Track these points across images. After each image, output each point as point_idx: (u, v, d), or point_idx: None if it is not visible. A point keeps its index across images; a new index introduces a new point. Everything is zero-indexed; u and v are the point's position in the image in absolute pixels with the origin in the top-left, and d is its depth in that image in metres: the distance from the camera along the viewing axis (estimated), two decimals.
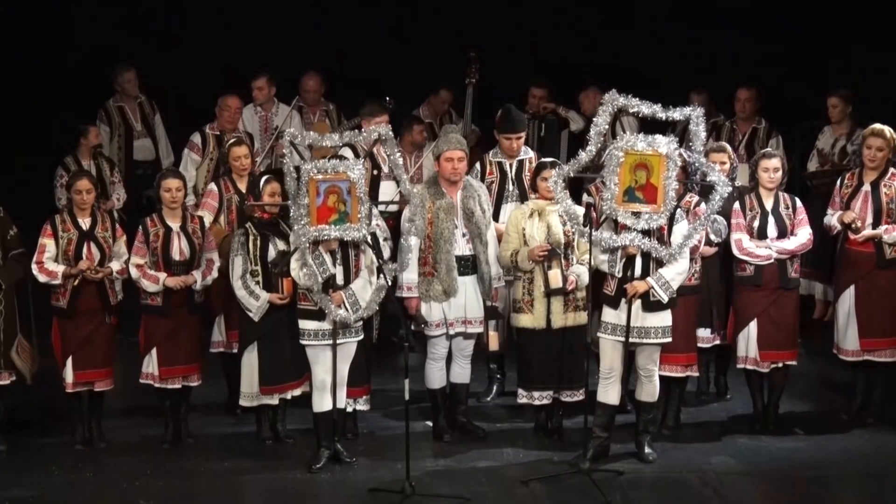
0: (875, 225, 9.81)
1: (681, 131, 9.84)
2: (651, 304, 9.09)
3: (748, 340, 9.72)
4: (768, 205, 9.68)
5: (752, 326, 9.70)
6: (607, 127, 9.18)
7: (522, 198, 9.99)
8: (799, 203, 9.72)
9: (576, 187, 9.89)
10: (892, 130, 9.88)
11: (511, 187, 10.14)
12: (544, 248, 9.37)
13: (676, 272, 9.09)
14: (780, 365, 9.73)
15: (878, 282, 9.83)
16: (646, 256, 9.08)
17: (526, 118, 10.70)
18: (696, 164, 9.28)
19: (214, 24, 13.43)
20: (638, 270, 9.08)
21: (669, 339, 9.21)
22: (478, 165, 10.21)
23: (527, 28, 13.49)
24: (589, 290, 9.27)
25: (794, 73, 12.99)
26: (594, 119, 9.15)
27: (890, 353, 9.86)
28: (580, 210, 9.35)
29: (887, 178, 9.87)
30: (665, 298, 9.09)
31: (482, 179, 10.07)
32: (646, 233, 9.03)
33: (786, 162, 9.97)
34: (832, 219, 9.99)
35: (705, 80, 12.32)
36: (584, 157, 9.16)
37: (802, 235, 9.65)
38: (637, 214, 8.99)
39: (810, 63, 12.97)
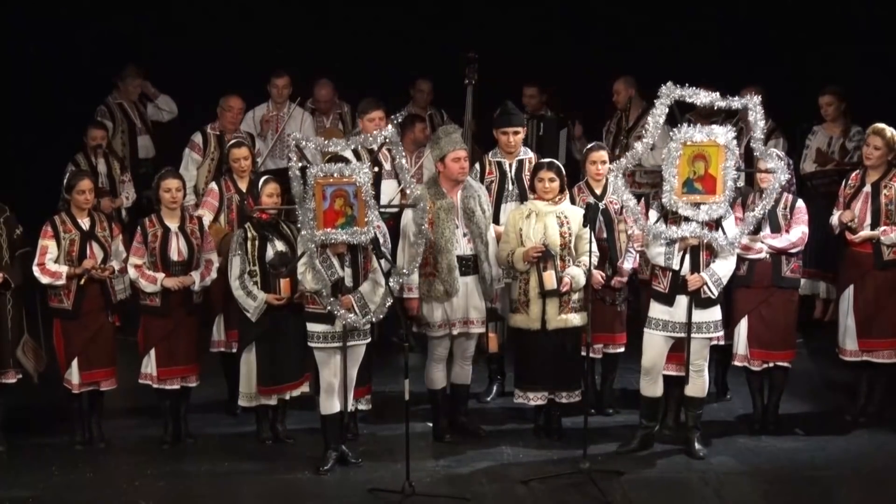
0: (874, 226, 9.81)
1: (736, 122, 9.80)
2: (703, 301, 9.18)
3: (739, 338, 9.74)
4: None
5: (743, 324, 9.71)
6: (663, 118, 9.16)
7: (522, 197, 9.97)
8: (800, 204, 9.68)
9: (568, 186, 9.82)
10: (893, 131, 9.87)
11: (511, 187, 10.12)
12: (538, 250, 9.37)
13: (729, 269, 9.22)
14: (773, 365, 9.73)
15: (877, 283, 9.82)
16: (695, 252, 9.15)
17: (525, 117, 10.67)
18: (754, 154, 9.32)
19: (214, 24, 13.44)
20: (688, 265, 9.18)
21: (720, 333, 9.37)
22: (477, 166, 10.20)
23: (526, 28, 13.48)
24: (588, 290, 9.27)
25: (795, 73, 12.99)
26: (651, 111, 9.17)
27: (888, 353, 9.85)
28: (633, 202, 9.33)
29: (888, 179, 9.86)
30: (716, 294, 9.20)
31: (481, 180, 10.05)
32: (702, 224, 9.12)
33: (788, 163, 9.90)
34: (834, 218, 10.00)
35: (706, 80, 12.29)
36: (639, 147, 9.20)
37: (794, 234, 9.61)
38: (697, 205, 9.06)
39: (810, 62, 12.97)
